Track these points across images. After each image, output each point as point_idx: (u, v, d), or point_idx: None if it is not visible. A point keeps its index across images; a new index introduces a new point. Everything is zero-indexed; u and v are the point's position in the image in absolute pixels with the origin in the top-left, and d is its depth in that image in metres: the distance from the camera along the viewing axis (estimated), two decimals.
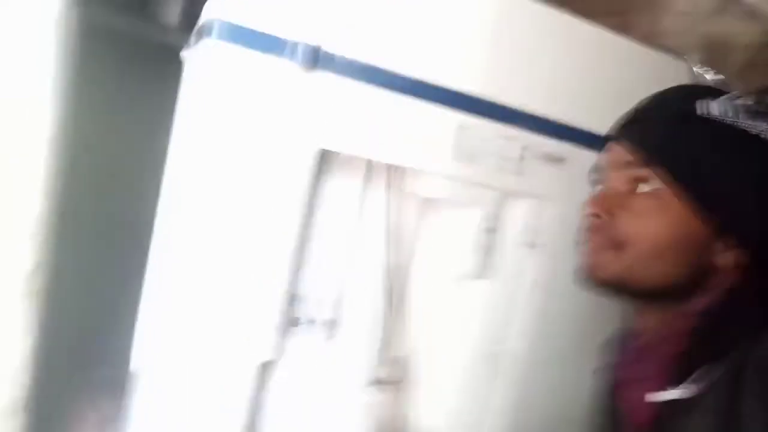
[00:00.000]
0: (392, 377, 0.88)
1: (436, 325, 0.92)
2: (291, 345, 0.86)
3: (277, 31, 0.71)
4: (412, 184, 0.86)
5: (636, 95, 0.72)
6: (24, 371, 0.83)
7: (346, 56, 0.74)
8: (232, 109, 0.71)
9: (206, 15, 0.72)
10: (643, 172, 0.63)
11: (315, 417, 0.91)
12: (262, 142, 0.73)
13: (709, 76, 0.95)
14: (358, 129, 0.76)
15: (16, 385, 0.84)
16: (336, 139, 0.76)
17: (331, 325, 0.89)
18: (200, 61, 0.73)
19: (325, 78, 0.73)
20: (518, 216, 0.88)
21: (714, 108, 0.62)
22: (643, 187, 0.63)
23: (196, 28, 0.84)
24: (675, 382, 0.59)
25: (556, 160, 0.87)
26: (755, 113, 0.61)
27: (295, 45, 0.71)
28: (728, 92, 0.63)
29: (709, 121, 0.62)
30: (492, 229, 0.87)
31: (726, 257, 0.62)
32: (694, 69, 0.94)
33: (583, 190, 0.88)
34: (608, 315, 0.92)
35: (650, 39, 1.00)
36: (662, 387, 0.60)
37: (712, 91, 0.64)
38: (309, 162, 0.75)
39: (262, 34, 0.70)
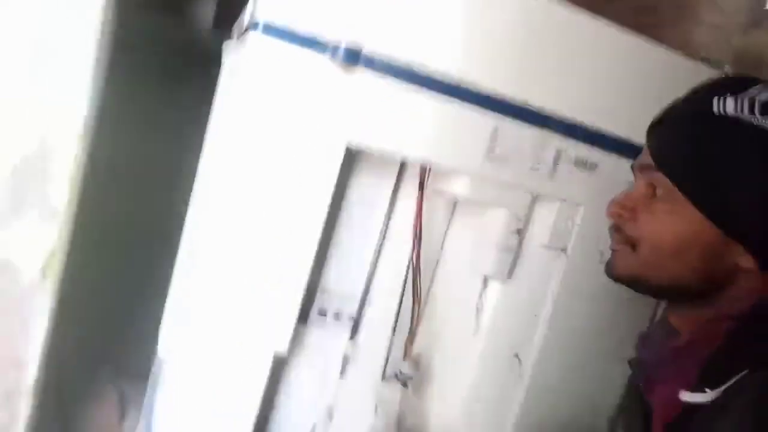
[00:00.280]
0: (413, 374, 0.89)
1: (459, 324, 0.93)
2: (317, 335, 0.88)
3: (319, 31, 0.72)
4: (444, 183, 0.86)
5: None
6: (40, 356, 0.84)
7: (386, 57, 0.74)
8: (270, 103, 0.72)
9: (250, 15, 0.73)
10: (656, 175, 0.65)
11: (335, 409, 0.92)
12: (297, 136, 0.74)
13: None
14: (393, 128, 0.77)
15: (33, 369, 0.85)
16: (371, 137, 0.77)
17: (356, 319, 0.90)
18: (242, 55, 0.74)
19: (364, 77, 0.74)
20: (547, 219, 0.89)
21: (730, 105, 0.61)
22: (655, 190, 0.66)
23: (239, 23, 0.85)
24: (708, 384, 0.59)
25: (589, 165, 0.87)
26: None
27: (337, 44, 0.72)
28: (757, 86, 0.61)
29: (724, 120, 0.61)
30: (520, 232, 0.87)
31: (747, 259, 0.62)
32: None
33: (612, 197, 0.89)
34: (633, 321, 0.93)
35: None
36: (695, 387, 0.60)
37: (737, 86, 0.62)
38: (341, 158, 0.76)
39: (305, 33, 0.71)
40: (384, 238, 0.89)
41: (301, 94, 0.73)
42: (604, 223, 0.89)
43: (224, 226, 0.73)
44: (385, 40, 0.74)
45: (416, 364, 0.89)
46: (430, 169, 0.85)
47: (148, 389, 0.96)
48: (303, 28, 0.71)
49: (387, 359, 0.92)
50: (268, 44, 0.71)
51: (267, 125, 0.73)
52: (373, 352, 0.92)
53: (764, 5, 1.66)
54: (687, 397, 0.61)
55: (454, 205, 0.94)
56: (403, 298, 0.90)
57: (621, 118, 0.88)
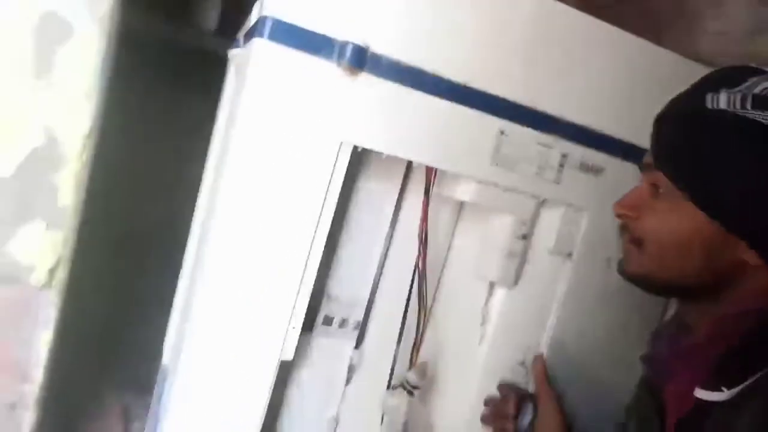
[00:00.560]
0: (419, 382, 0.88)
1: (465, 331, 0.92)
2: (322, 343, 0.87)
3: (326, 30, 0.71)
4: (449, 188, 0.86)
5: None
6: (42, 365, 0.83)
7: (393, 58, 0.74)
8: (276, 108, 0.72)
9: (257, 13, 0.73)
10: (657, 174, 0.66)
11: (341, 418, 0.91)
12: (303, 141, 0.73)
13: None
14: (398, 131, 0.77)
15: (37, 380, 0.84)
16: (377, 141, 0.76)
17: (362, 326, 0.90)
18: (248, 60, 0.74)
19: (370, 79, 0.74)
20: (553, 224, 0.88)
21: (723, 100, 0.60)
22: (659, 189, 0.66)
23: (245, 28, 0.86)
24: (724, 383, 0.59)
25: (595, 170, 0.87)
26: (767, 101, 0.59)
27: (344, 45, 0.71)
28: (752, 78, 0.61)
29: (717, 115, 0.60)
30: (526, 237, 0.86)
31: (752, 255, 0.61)
32: None
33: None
34: (640, 326, 0.92)
35: None
36: (710, 385, 0.60)
37: (730, 80, 0.62)
38: (346, 163, 0.75)
39: (312, 33, 0.71)
40: (389, 243, 0.89)
41: (306, 99, 0.73)
42: (610, 228, 0.89)
43: (229, 232, 0.73)
44: (390, 42, 0.74)
45: (422, 372, 0.88)
46: (435, 173, 0.84)
47: (153, 401, 0.96)
48: (311, 25, 0.71)
49: (393, 367, 0.91)
50: (274, 50, 0.70)
51: (272, 131, 0.72)
52: (378, 359, 0.91)
53: (765, 10, 1.66)
54: (702, 394, 0.61)
55: (459, 210, 0.94)
56: (409, 305, 0.89)
57: (627, 122, 0.88)
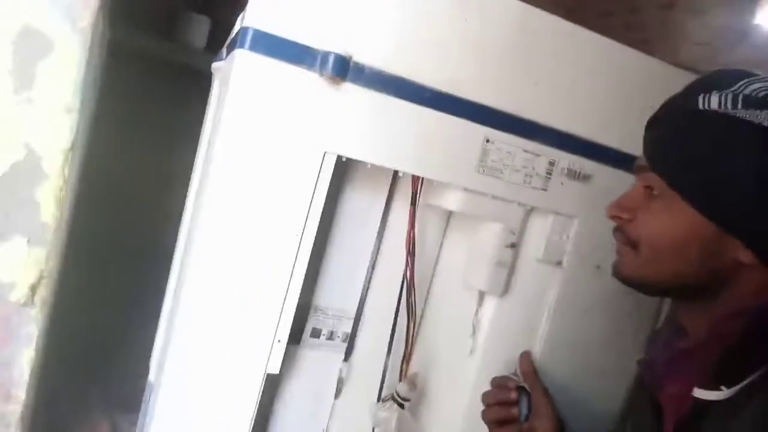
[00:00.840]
0: (409, 394, 0.86)
1: (455, 341, 0.91)
2: (310, 357, 0.86)
3: (308, 41, 0.71)
4: (436, 197, 0.85)
5: None
6: (24, 383, 0.81)
7: (375, 68, 0.74)
8: (258, 120, 0.72)
9: (240, 24, 0.73)
10: (650, 176, 0.66)
11: (330, 431, 0.89)
12: (287, 151, 0.73)
13: None
14: (385, 140, 0.76)
15: (20, 398, 0.82)
16: (363, 150, 0.76)
17: (351, 338, 0.88)
18: (230, 72, 0.73)
19: (354, 89, 0.74)
20: (541, 233, 0.88)
21: (714, 101, 0.61)
22: (654, 191, 0.67)
23: (229, 40, 0.85)
24: (723, 383, 0.59)
25: (583, 177, 0.86)
26: (758, 101, 0.60)
27: (326, 55, 0.71)
28: (741, 81, 0.62)
29: (708, 116, 0.61)
30: (515, 245, 0.86)
31: (747, 254, 0.62)
32: None
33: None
34: (632, 334, 0.92)
35: None
36: (709, 385, 0.60)
37: (720, 82, 0.63)
38: (331, 173, 0.75)
39: (293, 43, 0.71)
40: (377, 254, 0.88)
41: (289, 110, 0.72)
42: (600, 235, 0.89)
43: (212, 243, 0.72)
44: (373, 51, 0.74)
45: (412, 384, 0.87)
46: (422, 183, 0.84)
47: (140, 417, 0.94)
48: (292, 35, 0.70)
49: (383, 380, 0.90)
50: (255, 61, 0.70)
51: (255, 142, 0.72)
52: (368, 372, 0.90)
53: (751, 21, 1.68)
54: (700, 394, 0.61)
55: (448, 219, 0.93)
56: (398, 316, 0.88)
57: (614, 129, 0.88)
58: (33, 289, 0.80)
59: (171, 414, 0.73)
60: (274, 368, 0.76)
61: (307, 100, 0.72)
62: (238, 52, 0.71)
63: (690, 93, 0.65)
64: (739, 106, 0.60)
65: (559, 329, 0.89)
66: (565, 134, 0.85)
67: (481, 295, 0.89)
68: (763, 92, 0.60)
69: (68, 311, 1.00)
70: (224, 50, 0.88)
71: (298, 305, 0.77)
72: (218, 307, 0.73)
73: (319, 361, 0.87)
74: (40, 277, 0.80)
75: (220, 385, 0.74)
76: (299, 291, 0.76)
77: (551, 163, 0.84)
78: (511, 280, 0.87)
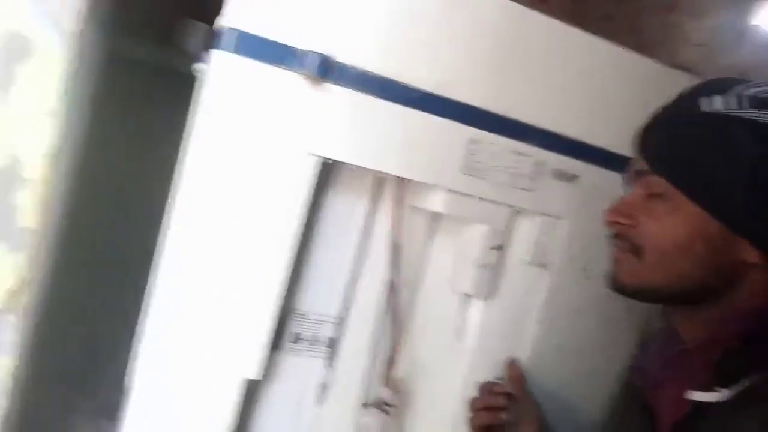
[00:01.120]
0: (394, 399, 0.85)
1: (441, 346, 0.89)
2: (292, 362, 0.84)
3: (289, 40, 0.70)
4: (421, 199, 0.84)
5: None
6: (4, 391, 0.80)
7: (358, 67, 0.73)
8: (238, 121, 0.71)
9: (218, 24, 0.73)
10: (654, 179, 0.65)
11: None
12: (267, 153, 0.72)
13: None
14: (368, 141, 0.75)
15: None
16: (345, 151, 0.75)
17: (333, 343, 0.87)
18: (210, 73, 0.73)
19: (336, 89, 0.73)
20: (528, 234, 0.86)
21: (718, 102, 0.61)
22: (653, 194, 0.65)
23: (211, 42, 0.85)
24: (720, 384, 0.58)
25: (569, 177, 0.85)
26: (762, 101, 0.60)
27: (306, 55, 0.70)
28: (740, 85, 0.62)
29: (713, 117, 0.61)
30: (501, 247, 0.84)
31: (754, 255, 0.61)
32: None
33: (595, 209, 0.87)
34: (620, 337, 0.90)
35: None
36: (704, 387, 0.59)
37: (720, 86, 0.63)
38: (314, 175, 0.74)
39: (274, 43, 0.70)
40: (362, 257, 0.87)
41: (270, 111, 0.71)
42: (588, 237, 0.87)
43: (190, 246, 0.71)
44: (356, 51, 0.73)
45: (397, 389, 0.85)
46: (406, 184, 0.83)
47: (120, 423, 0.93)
48: (272, 35, 0.69)
49: (366, 385, 0.88)
50: (234, 62, 0.69)
51: (235, 144, 0.71)
52: (351, 377, 0.88)
53: (749, 22, 1.67)
54: (698, 396, 0.60)
55: (434, 222, 0.92)
56: (383, 320, 0.87)
57: (601, 129, 0.86)
58: (13, 295, 0.79)
59: (145, 421, 0.72)
60: (254, 374, 0.75)
61: (288, 101, 0.71)
62: (215, 53, 0.70)
63: (690, 96, 0.65)
64: (744, 106, 0.60)
65: (546, 332, 0.88)
66: (551, 134, 0.83)
67: (467, 299, 0.87)
68: (766, 94, 0.61)
69: (56, 318, 0.99)
70: (205, 52, 0.87)
71: (280, 309, 0.75)
72: (196, 310, 0.72)
73: (301, 367, 0.85)
74: (21, 283, 0.80)
75: (197, 391, 0.73)
76: (281, 295, 0.75)
77: (538, 164, 0.83)
78: (497, 283, 0.86)
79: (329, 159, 0.74)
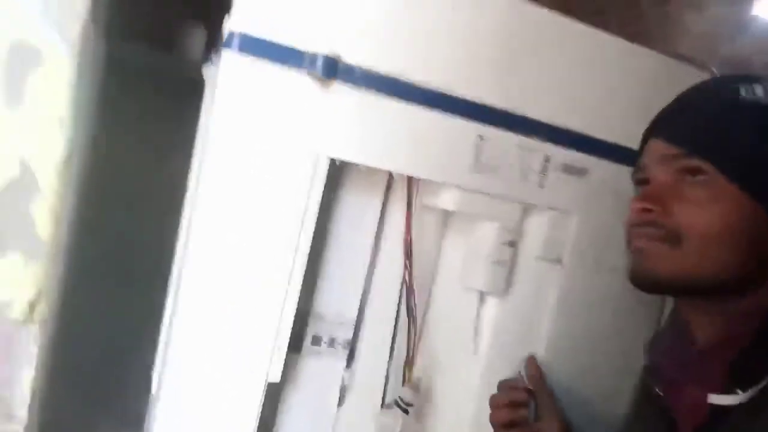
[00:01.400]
0: (414, 399, 0.85)
1: (458, 344, 0.90)
2: (311, 364, 0.85)
3: (296, 43, 0.71)
4: (432, 197, 0.85)
5: (659, 107, 0.71)
6: (26, 403, 0.80)
7: (366, 67, 0.73)
8: (248, 123, 0.71)
9: (226, 28, 0.73)
10: (693, 162, 0.62)
11: None
12: (278, 155, 0.72)
13: None
14: (377, 141, 0.76)
15: (20, 417, 0.82)
16: (355, 151, 0.75)
17: (352, 345, 0.87)
18: (219, 75, 0.73)
19: (344, 89, 0.73)
20: (540, 229, 0.86)
21: (760, 91, 0.61)
22: (695, 178, 0.62)
23: (217, 44, 0.85)
24: (739, 385, 0.57)
25: (579, 172, 0.85)
26: None
27: (314, 56, 0.71)
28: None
29: (755, 105, 0.61)
30: (513, 243, 0.85)
31: None
32: None
33: (605, 203, 0.87)
34: (636, 329, 0.90)
35: None
36: (724, 389, 0.58)
37: (752, 77, 0.63)
38: (325, 175, 0.74)
39: (282, 45, 0.70)
40: (375, 258, 0.87)
41: (279, 112, 0.72)
42: (599, 230, 0.88)
43: (207, 251, 0.71)
44: (362, 51, 0.73)
45: (416, 388, 0.85)
46: (417, 183, 0.83)
47: None
48: (279, 38, 0.70)
49: (386, 386, 0.89)
50: (243, 63, 0.69)
51: (246, 145, 0.71)
52: (371, 378, 0.89)
53: (749, 12, 1.67)
54: (716, 399, 0.59)
55: (445, 220, 0.92)
56: (399, 320, 0.87)
57: (609, 122, 0.86)
58: (32, 306, 0.80)
59: (171, 427, 0.73)
60: (275, 377, 0.75)
61: (297, 102, 0.72)
62: (224, 56, 0.71)
63: (726, 83, 0.65)
64: None
65: (561, 327, 0.88)
66: (559, 129, 0.84)
67: (482, 296, 0.87)
68: None
69: (73, 328, 0.99)
70: (213, 53, 0.88)
71: (297, 312, 0.76)
72: (216, 316, 0.72)
73: (321, 369, 0.86)
74: (39, 294, 0.80)
75: (220, 396, 0.73)
76: (297, 297, 0.75)
77: (546, 159, 0.83)
78: (511, 279, 0.86)
79: (339, 159, 0.75)
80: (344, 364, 0.88)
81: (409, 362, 0.87)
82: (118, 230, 1.19)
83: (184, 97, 1.17)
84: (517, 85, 0.81)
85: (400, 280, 0.87)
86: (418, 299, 0.87)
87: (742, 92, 0.62)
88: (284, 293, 0.74)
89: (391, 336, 0.88)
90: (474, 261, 0.85)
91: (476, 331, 0.88)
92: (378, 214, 0.86)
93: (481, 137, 0.79)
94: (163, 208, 1.06)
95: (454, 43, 0.78)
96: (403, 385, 0.87)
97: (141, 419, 0.95)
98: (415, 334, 0.87)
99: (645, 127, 0.71)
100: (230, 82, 0.70)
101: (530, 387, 0.83)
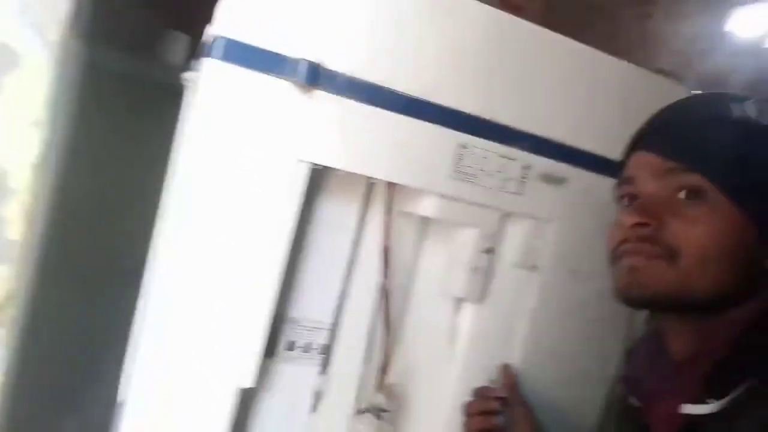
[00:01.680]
0: (388, 405, 0.85)
1: (433, 350, 0.90)
2: (286, 370, 0.84)
3: (278, 49, 0.70)
4: (411, 204, 0.85)
5: (637, 118, 0.71)
6: None
7: (348, 74, 0.73)
8: (229, 128, 0.70)
9: (209, 33, 0.73)
10: (690, 178, 0.61)
11: None
12: (258, 160, 0.72)
13: None
14: (358, 147, 0.76)
15: None
16: (335, 157, 0.75)
17: (327, 350, 0.87)
18: (200, 81, 0.73)
19: (326, 96, 0.73)
20: (518, 237, 0.87)
21: (750, 109, 0.62)
22: (690, 193, 0.61)
23: (199, 50, 0.85)
24: (711, 395, 0.57)
25: (557, 181, 0.86)
26: None
27: (296, 62, 0.70)
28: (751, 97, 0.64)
29: (746, 123, 0.62)
30: (491, 251, 0.85)
31: None
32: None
33: (583, 212, 0.88)
34: (610, 337, 0.91)
35: None
36: (696, 399, 0.58)
37: (738, 96, 0.64)
38: (304, 181, 0.74)
39: (264, 51, 0.70)
40: (353, 263, 0.87)
41: (260, 117, 0.71)
42: (576, 240, 0.88)
43: (182, 253, 0.70)
44: (345, 58, 0.73)
45: (391, 394, 0.85)
46: (397, 189, 0.83)
47: None
48: (262, 44, 0.70)
49: (360, 391, 0.88)
50: (225, 70, 0.69)
51: (226, 151, 0.71)
52: (345, 383, 0.88)
53: (723, 29, 1.71)
54: (689, 409, 0.59)
55: (424, 227, 0.93)
56: (375, 326, 0.87)
57: (588, 132, 0.87)
58: (0, 308, 0.78)
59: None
60: (248, 382, 0.74)
61: (279, 108, 0.72)
62: (206, 62, 0.70)
63: (717, 100, 0.65)
64: None
65: (537, 335, 0.88)
66: (539, 138, 0.84)
67: (459, 302, 0.87)
68: None
69: (42, 331, 0.97)
70: (194, 60, 0.87)
71: (272, 317, 0.75)
72: (189, 320, 0.71)
73: (295, 375, 0.85)
74: (8, 297, 0.78)
75: (192, 401, 0.72)
76: (273, 302, 0.75)
77: (526, 168, 0.84)
78: (488, 287, 0.86)
79: (320, 165, 0.75)
80: (319, 369, 0.87)
81: (383, 368, 0.87)
82: (91, 234, 1.17)
83: (164, 102, 1.16)
84: (498, 95, 0.82)
85: (377, 286, 0.87)
86: (395, 305, 0.87)
87: (733, 110, 0.62)
88: (260, 298, 0.74)
89: (367, 342, 0.88)
90: (453, 268, 0.86)
91: (452, 337, 0.88)
92: (357, 220, 0.86)
93: (461, 145, 0.80)
94: (138, 213, 1.05)
95: (436, 52, 0.78)
96: (377, 390, 0.86)
97: (109, 424, 0.93)
98: (389, 340, 0.86)
99: (624, 139, 0.71)
100: (211, 87, 0.70)
101: (504, 395, 0.83)
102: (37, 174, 0.77)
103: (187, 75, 0.92)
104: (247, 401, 0.82)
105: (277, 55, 0.70)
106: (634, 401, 0.69)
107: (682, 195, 0.62)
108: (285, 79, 0.71)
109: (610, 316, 0.90)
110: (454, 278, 0.85)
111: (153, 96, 1.31)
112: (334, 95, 0.73)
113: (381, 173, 0.78)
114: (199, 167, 0.70)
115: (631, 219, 0.62)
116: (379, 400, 0.84)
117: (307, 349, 0.85)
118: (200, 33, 0.79)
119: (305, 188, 0.74)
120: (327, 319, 0.87)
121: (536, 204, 0.85)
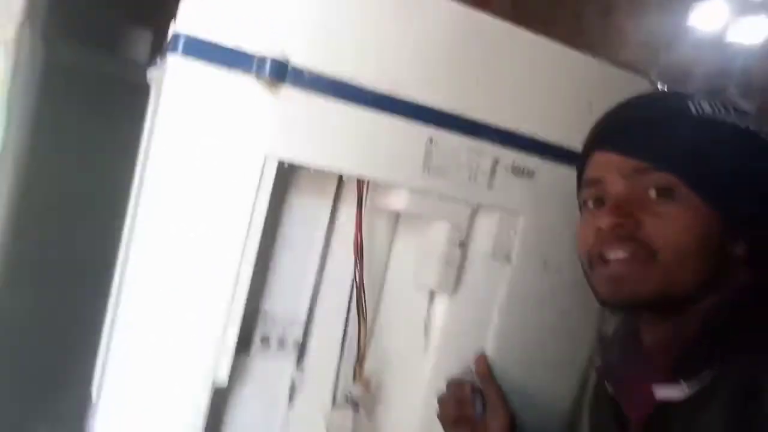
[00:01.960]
0: (364, 397, 0.86)
1: (408, 342, 0.90)
2: (261, 365, 0.84)
3: (244, 46, 0.70)
4: (382, 198, 0.85)
5: (602, 111, 0.73)
6: None
7: (313, 70, 0.73)
8: (195, 126, 0.70)
9: (172, 30, 0.72)
10: (659, 177, 0.63)
11: None
12: (226, 158, 0.71)
13: None
14: (326, 144, 0.76)
15: None
16: (305, 154, 0.75)
17: (302, 344, 0.87)
18: (164, 79, 0.72)
19: (292, 92, 0.73)
20: (489, 229, 0.88)
21: (707, 106, 0.64)
22: (660, 191, 0.62)
23: (163, 46, 0.84)
24: (682, 376, 0.59)
25: (526, 173, 0.87)
26: (738, 106, 0.64)
27: (262, 59, 0.70)
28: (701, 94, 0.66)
29: (705, 119, 0.64)
30: (463, 243, 0.86)
31: (737, 253, 0.62)
32: (659, 87, 0.97)
33: (551, 204, 0.89)
34: (581, 326, 0.93)
35: None
36: (669, 384, 0.60)
37: (691, 93, 0.66)
38: (273, 177, 0.74)
39: (228, 48, 0.70)
40: (326, 258, 0.87)
41: (226, 115, 0.71)
42: (546, 231, 0.90)
43: (152, 251, 0.70)
44: (311, 54, 0.73)
45: (367, 386, 0.86)
46: (367, 184, 0.83)
47: None
48: (227, 41, 0.69)
49: (336, 384, 0.88)
50: (189, 67, 0.68)
51: (193, 149, 0.70)
52: (321, 377, 0.89)
53: (684, 24, 1.75)
54: (661, 392, 0.61)
55: (396, 220, 0.93)
56: (350, 319, 0.87)
57: (555, 125, 0.89)
58: None
59: (113, 430, 0.71)
60: (222, 379, 0.74)
61: (245, 105, 0.71)
62: (170, 59, 0.69)
63: (673, 98, 0.67)
64: (731, 111, 0.63)
65: (510, 325, 0.90)
66: (508, 132, 0.85)
67: (432, 294, 0.88)
68: (735, 101, 0.66)
69: (9, 334, 0.96)
70: (158, 56, 0.86)
71: (245, 313, 0.75)
72: (160, 317, 0.71)
73: (270, 369, 0.85)
74: None
75: (165, 400, 0.72)
76: (245, 298, 0.74)
77: (495, 161, 0.85)
78: (461, 278, 0.87)
79: (288, 162, 0.74)
80: (294, 364, 0.87)
81: (359, 360, 0.87)
82: (54, 233, 1.15)
83: (128, 99, 1.15)
84: (465, 89, 0.82)
85: (350, 280, 0.87)
86: (369, 298, 0.88)
87: (691, 107, 0.64)
88: (232, 294, 0.73)
89: (341, 335, 0.88)
90: (425, 260, 0.86)
91: (426, 328, 0.88)
92: (329, 215, 0.87)
93: (431, 140, 0.80)
94: (103, 210, 1.04)
95: (403, 47, 0.78)
96: (353, 382, 0.87)
97: (82, 424, 0.92)
98: (364, 332, 0.87)
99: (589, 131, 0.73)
100: (176, 85, 0.69)
101: (478, 384, 0.85)
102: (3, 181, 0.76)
103: (151, 72, 0.91)
104: (223, 397, 0.82)
105: (242, 52, 0.70)
106: (608, 387, 0.71)
107: (652, 194, 0.63)
108: (251, 76, 0.70)
109: (581, 305, 0.92)
110: (427, 271, 0.86)
111: (117, 93, 1.29)
112: (301, 91, 0.73)
113: (351, 169, 0.79)
114: (166, 165, 0.70)
115: (608, 220, 0.63)
116: (355, 391, 0.84)
117: (281, 344, 0.85)
118: (164, 29, 0.78)
119: (273, 185, 0.74)
120: (301, 314, 0.87)
121: (506, 196, 0.87)
